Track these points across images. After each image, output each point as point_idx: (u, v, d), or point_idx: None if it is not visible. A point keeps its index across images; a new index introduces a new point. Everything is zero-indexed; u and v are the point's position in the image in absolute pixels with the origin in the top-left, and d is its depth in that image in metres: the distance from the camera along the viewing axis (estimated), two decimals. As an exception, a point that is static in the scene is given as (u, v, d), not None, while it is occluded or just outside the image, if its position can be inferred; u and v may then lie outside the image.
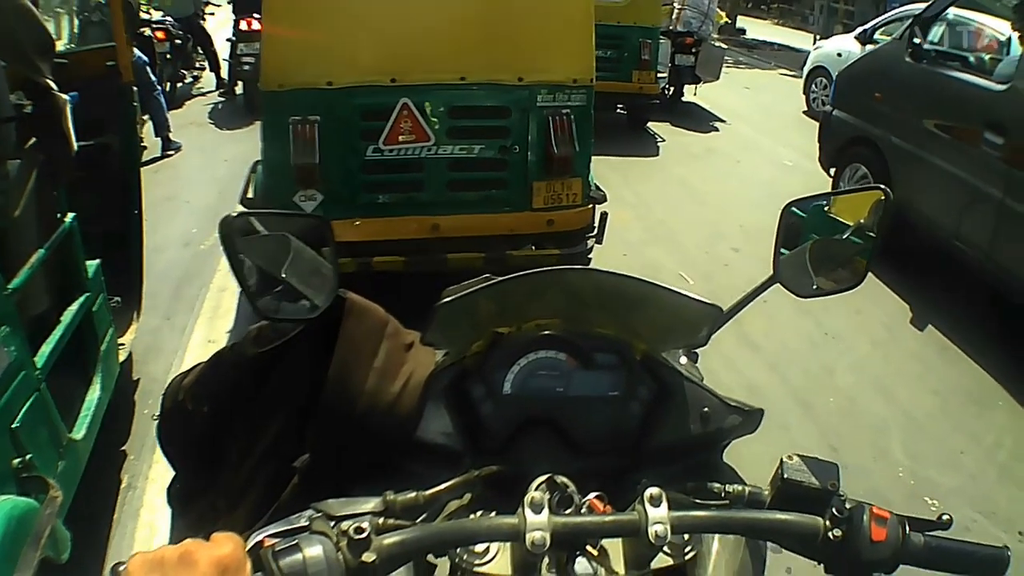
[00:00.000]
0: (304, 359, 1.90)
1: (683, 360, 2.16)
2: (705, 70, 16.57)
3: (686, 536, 1.58)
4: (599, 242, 6.80)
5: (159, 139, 12.88)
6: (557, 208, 6.55)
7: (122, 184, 5.98)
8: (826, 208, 2.41)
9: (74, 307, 4.60)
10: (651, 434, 1.84)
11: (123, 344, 5.57)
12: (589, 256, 6.79)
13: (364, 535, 1.29)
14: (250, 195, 6.66)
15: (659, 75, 14.98)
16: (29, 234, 4.40)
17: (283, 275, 1.85)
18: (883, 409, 6.30)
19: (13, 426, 3.29)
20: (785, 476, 1.52)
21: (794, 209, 2.33)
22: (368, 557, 1.27)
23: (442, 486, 1.64)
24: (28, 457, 3.28)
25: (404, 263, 6.34)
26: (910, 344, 7.48)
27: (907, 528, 1.43)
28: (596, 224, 6.78)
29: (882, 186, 2.28)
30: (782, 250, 2.29)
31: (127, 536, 4.63)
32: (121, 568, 1.10)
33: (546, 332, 1.85)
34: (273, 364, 1.93)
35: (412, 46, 6.19)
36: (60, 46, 5.57)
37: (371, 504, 1.47)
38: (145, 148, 12.57)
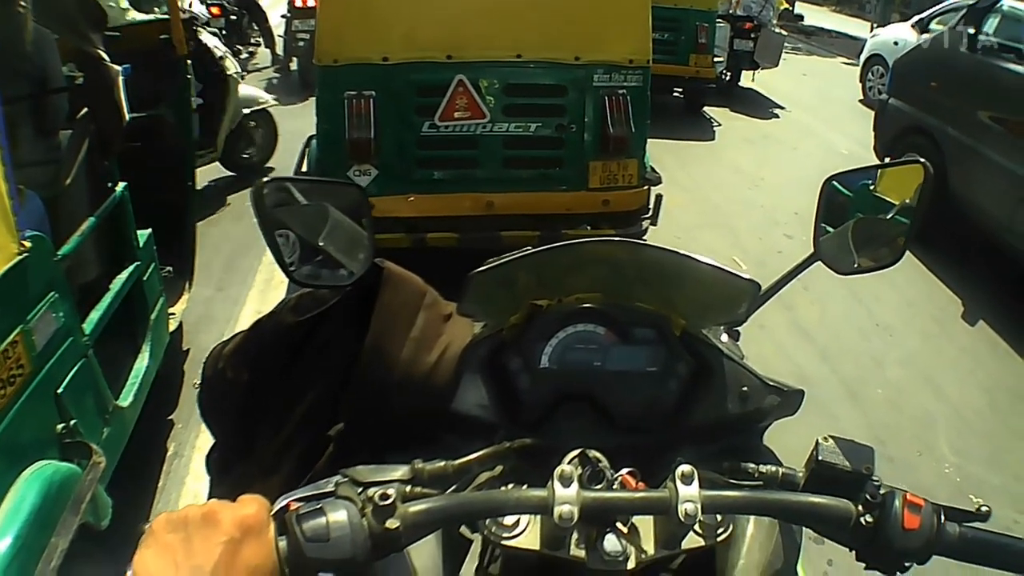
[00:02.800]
0: (341, 328, 1.90)
1: (724, 338, 2.14)
2: (764, 56, 16.40)
3: (719, 517, 1.55)
4: (654, 223, 6.79)
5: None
6: (613, 188, 6.54)
7: (176, 156, 6.04)
8: (871, 186, 2.36)
9: (124, 275, 4.63)
10: (689, 412, 1.82)
11: (173, 314, 5.62)
12: (644, 238, 6.70)
13: (389, 501, 1.27)
14: (304, 169, 6.74)
15: (716, 59, 14.96)
16: (80, 202, 4.45)
17: (321, 243, 1.86)
18: (931, 403, 6.24)
19: (58, 391, 3.30)
20: (820, 458, 1.46)
21: (836, 184, 2.30)
22: (392, 523, 1.26)
23: (472, 456, 1.63)
24: (72, 423, 3.29)
25: (458, 239, 6.36)
26: (961, 339, 7.39)
27: (942, 517, 1.37)
28: (651, 206, 6.77)
29: (922, 160, 2.23)
30: (824, 226, 2.26)
31: (171, 504, 4.65)
32: (146, 527, 1.12)
33: (585, 305, 1.82)
34: (311, 333, 1.93)
35: (468, 22, 6.21)
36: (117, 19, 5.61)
37: (400, 472, 1.46)
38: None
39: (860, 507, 1.37)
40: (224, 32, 16.08)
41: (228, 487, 2.01)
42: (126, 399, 4.25)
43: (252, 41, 17.60)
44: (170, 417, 5.36)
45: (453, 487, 1.59)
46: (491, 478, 1.66)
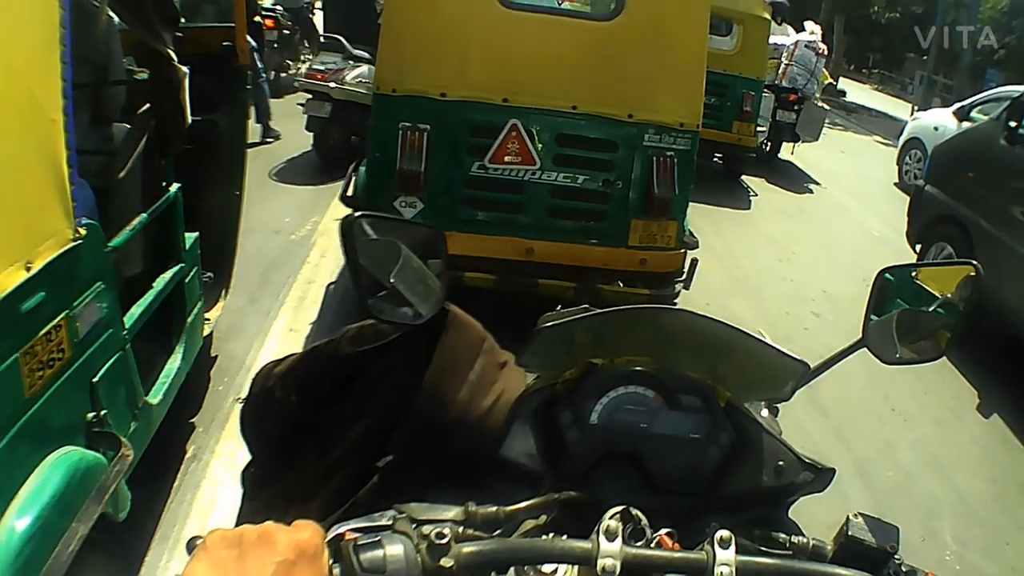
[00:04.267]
0: (399, 364, 1.94)
1: (764, 412, 2.20)
2: (806, 129, 16.48)
3: None
4: (687, 287, 6.81)
5: (259, 125, 13.04)
6: (651, 248, 6.58)
7: (227, 162, 6.10)
8: (914, 276, 2.45)
9: (168, 275, 4.69)
10: (726, 480, 1.87)
11: (208, 319, 5.68)
12: (675, 300, 6.80)
13: (445, 540, 1.32)
14: (350, 193, 6.81)
15: (759, 129, 15.04)
16: (133, 197, 4.51)
17: (392, 280, 1.87)
18: (938, 490, 6.26)
19: (94, 380, 3.34)
20: (849, 533, 1.55)
21: (887, 275, 2.38)
22: (447, 562, 1.30)
23: (522, 504, 1.66)
24: (103, 413, 3.33)
25: (496, 282, 6.38)
26: (973, 430, 7.43)
27: None
28: (686, 269, 6.79)
29: (974, 262, 2.30)
30: (872, 316, 2.33)
31: (184, 504, 4.71)
32: (199, 541, 1.15)
33: (637, 368, 1.87)
34: (368, 365, 1.98)
35: (527, 69, 6.28)
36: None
37: (453, 512, 1.51)
38: (248, 132, 12.75)
39: None
40: (276, 45, 16.24)
41: (261, 504, 2.06)
42: (156, 396, 4.30)
43: (302, 57, 17.76)
44: (192, 420, 5.41)
45: (500, 531, 1.62)
46: (536, 526, 1.70)
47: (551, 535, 1.66)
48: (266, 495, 2.08)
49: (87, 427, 3.28)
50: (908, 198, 10.64)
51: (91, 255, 3.29)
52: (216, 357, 6.16)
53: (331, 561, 1.23)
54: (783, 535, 1.73)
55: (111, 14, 4.48)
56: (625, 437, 1.85)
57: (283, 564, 1.11)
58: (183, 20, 6.52)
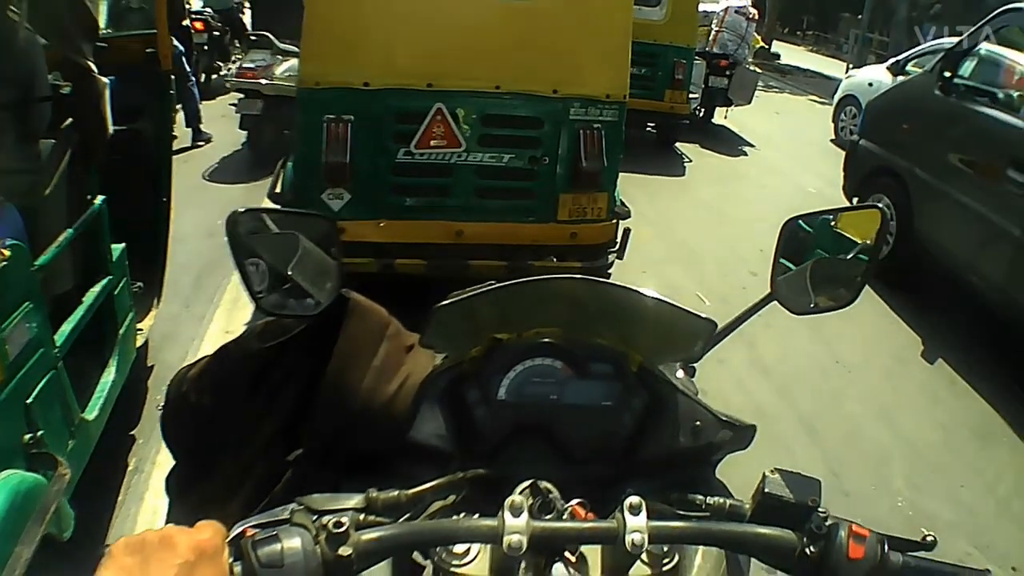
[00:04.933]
0: (306, 356, 1.94)
1: (680, 374, 2.17)
2: (738, 94, 16.60)
3: (666, 548, 1.60)
4: (620, 258, 6.83)
5: (189, 129, 12.97)
6: (582, 221, 6.58)
7: (153, 171, 6.01)
8: (832, 223, 2.44)
9: (97, 289, 4.63)
10: (641, 445, 1.87)
11: (141, 329, 5.60)
12: (609, 271, 6.79)
13: (343, 529, 1.32)
14: (278, 190, 6.73)
15: (691, 96, 15.08)
16: (59, 213, 4.45)
17: (290, 272, 1.90)
18: (888, 439, 6.31)
19: (28, 401, 3.31)
20: (766, 490, 1.51)
21: (800, 223, 2.36)
22: (345, 551, 1.30)
23: (426, 486, 1.66)
24: (40, 433, 3.30)
25: (426, 267, 6.38)
26: (919, 376, 7.49)
27: (886, 547, 1.42)
28: (619, 239, 6.80)
29: (880, 204, 2.30)
30: (783, 262, 2.30)
31: (130, 518, 4.66)
32: (106, 549, 1.14)
33: (544, 340, 1.87)
34: (276, 360, 1.98)
35: (449, 52, 6.24)
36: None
37: (354, 500, 1.49)
38: (176, 137, 12.61)
39: (805, 538, 1.42)
40: (206, 48, 16.11)
41: (187, 509, 2.05)
42: (92, 412, 4.25)
43: (233, 58, 17.62)
44: (132, 432, 5.35)
45: (407, 515, 1.62)
46: (444, 507, 1.70)
47: (462, 515, 1.67)
48: (191, 500, 2.07)
49: (25, 449, 3.25)
50: (844, 154, 10.76)
51: (16, 276, 3.27)
52: (153, 367, 6.08)
53: (231, 559, 1.23)
54: (700, 496, 1.71)
55: (29, 28, 4.43)
56: (534, 410, 1.85)
57: (184, 566, 1.13)
58: (108, 30, 6.46)
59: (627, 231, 6.82)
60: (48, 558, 3.09)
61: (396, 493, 1.59)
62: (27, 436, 3.26)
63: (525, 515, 1.36)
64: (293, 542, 1.29)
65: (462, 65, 6.27)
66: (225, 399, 2.03)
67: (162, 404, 2.21)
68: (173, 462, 2.20)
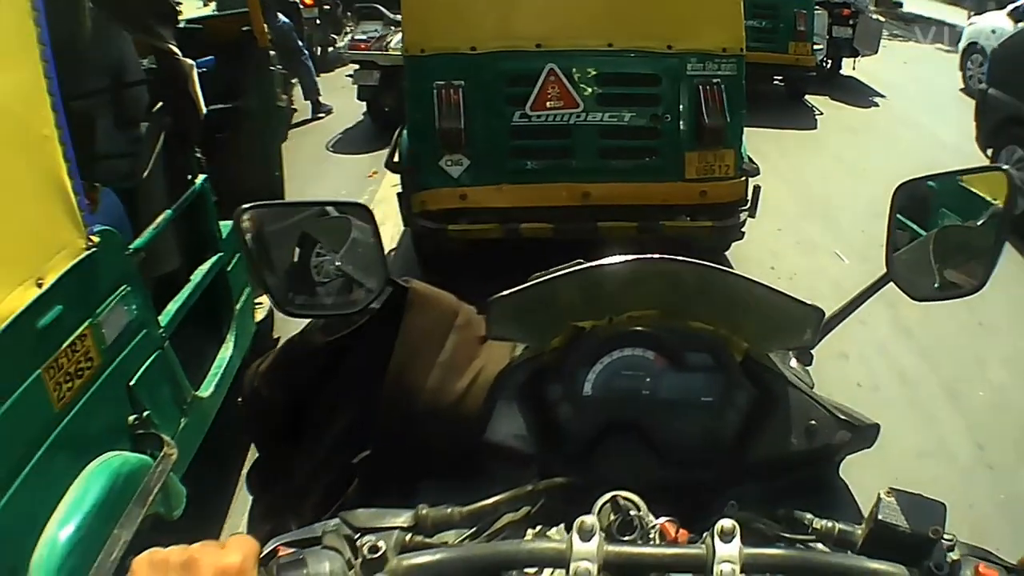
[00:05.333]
0: (370, 351, 1.79)
1: (793, 363, 2.00)
2: (864, 43, 16.11)
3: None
4: (752, 215, 6.68)
5: (309, 102, 13.20)
6: (710, 179, 6.42)
7: (262, 145, 6.09)
8: (961, 182, 2.08)
9: (205, 267, 4.67)
10: (748, 447, 1.67)
11: (260, 304, 5.62)
12: (743, 230, 6.70)
13: (379, 554, 1.18)
14: (396, 159, 6.72)
15: (816, 47, 14.73)
16: (158, 195, 4.50)
17: (337, 264, 1.78)
18: (1036, 408, 5.99)
19: (131, 384, 3.32)
20: (879, 517, 1.28)
21: (913, 188, 2.01)
22: None
23: (486, 502, 1.47)
24: (145, 414, 3.31)
25: (554, 230, 6.29)
26: (1071, 340, 7.11)
27: None
28: (749, 197, 6.64)
29: (1003, 166, 1.97)
30: (901, 228, 2.00)
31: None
32: (132, 561, 1.08)
33: (635, 328, 1.68)
34: (342, 354, 1.85)
35: (557, 11, 6.16)
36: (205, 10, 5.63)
37: (401, 518, 1.34)
38: (295, 111, 12.82)
39: None
40: (319, 21, 16.23)
41: (266, 507, 1.97)
42: (207, 389, 4.27)
43: (346, 30, 17.69)
44: (255, 407, 5.27)
45: (473, 530, 1.47)
46: (515, 521, 1.53)
47: (536, 529, 1.52)
48: (268, 498, 1.99)
49: (130, 430, 3.27)
50: (975, 104, 10.35)
51: (109, 261, 3.27)
52: (279, 339, 6.02)
53: None
54: (809, 516, 1.45)
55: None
56: (625, 407, 1.66)
57: None
58: (214, 11, 6.53)
59: (757, 188, 6.66)
60: (160, 538, 3.07)
61: (449, 510, 1.41)
62: (132, 417, 3.28)
63: (596, 538, 1.19)
64: (321, 567, 1.16)
65: (571, 24, 6.16)
66: (296, 394, 1.92)
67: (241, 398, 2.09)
68: (254, 459, 2.08)
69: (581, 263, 1.61)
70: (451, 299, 1.83)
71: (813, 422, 1.66)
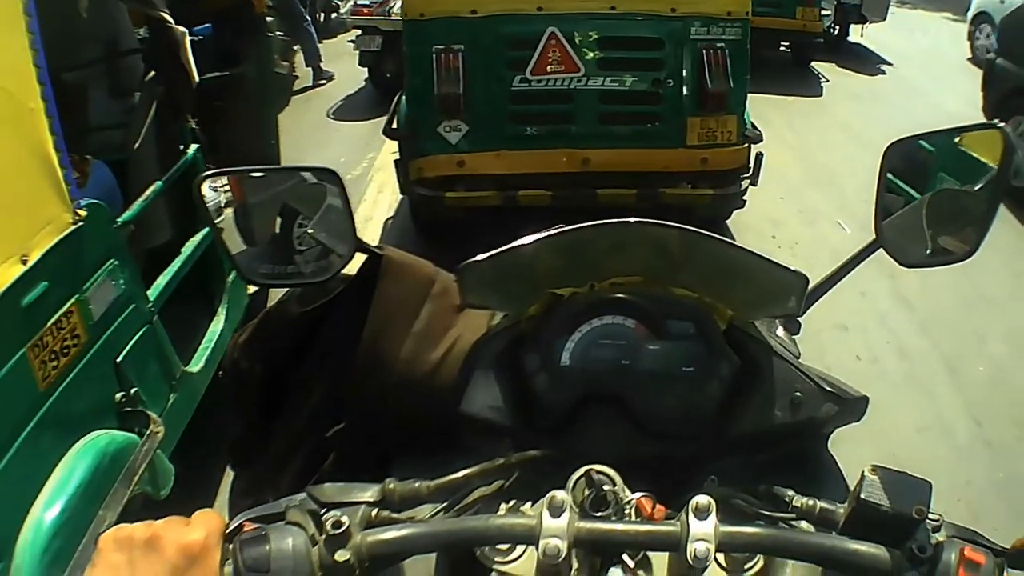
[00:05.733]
0: (345, 320, 1.77)
1: (780, 332, 1.96)
2: (872, 10, 16.04)
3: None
4: (754, 183, 6.65)
5: (310, 69, 13.23)
6: (712, 146, 6.36)
7: (258, 114, 6.06)
8: (958, 142, 2.05)
9: (196, 238, 4.61)
10: (731, 419, 1.61)
11: None
12: (744, 198, 6.67)
13: (342, 529, 1.15)
14: (395, 126, 6.67)
15: (823, 13, 14.76)
16: (149, 166, 4.47)
17: (311, 230, 1.75)
18: (1036, 384, 5.94)
19: (118, 360, 3.28)
20: (862, 496, 1.22)
21: (909, 146, 1.94)
22: (343, 556, 1.13)
23: (456, 475, 1.43)
24: (133, 391, 3.28)
25: (552, 197, 6.26)
26: (1071, 314, 7.05)
27: (1004, 571, 1.16)
28: (752, 164, 6.59)
29: (998, 123, 1.88)
30: (893, 192, 1.93)
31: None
32: (98, 536, 1.09)
33: (615, 295, 1.64)
34: (318, 324, 1.83)
35: None
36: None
37: (368, 492, 1.30)
38: (297, 77, 12.86)
39: (905, 559, 1.16)
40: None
41: (248, 481, 1.95)
42: (196, 364, 4.23)
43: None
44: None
45: (444, 505, 1.42)
46: (486, 496, 1.47)
47: (509, 504, 1.48)
48: (248, 473, 1.98)
49: (117, 408, 3.26)
50: (982, 73, 10.31)
51: (97, 235, 3.24)
52: (273, 310, 6.00)
53: (224, 560, 1.09)
54: (790, 493, 1.40)
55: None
56: (604, 377, 1.61)
57: (172, 571, 1.05)
58: None
59: (760, 155, 6.62)
60: (147, 516, 3.06)
61: (417, 484, 1.37)
62: (119, 395, 3.25)
63: (567, 515, 1.16)
64: (283, 543, 1.14)
65: None
66: (273, 366, 1.89)
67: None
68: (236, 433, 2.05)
69: (561, 227, 1.57)
70: (427, 267, 1.80)
71: (799, 394, 1.60)
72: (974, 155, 1.92)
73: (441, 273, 1.79)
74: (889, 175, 1.89)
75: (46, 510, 2.67)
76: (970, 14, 17.84)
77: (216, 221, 1.72)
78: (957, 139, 2.02)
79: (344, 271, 1.72)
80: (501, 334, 1.67)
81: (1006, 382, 5.83)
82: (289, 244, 1.79)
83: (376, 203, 8.41)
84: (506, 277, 1.67)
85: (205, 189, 1.72)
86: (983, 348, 6.28)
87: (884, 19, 16.48)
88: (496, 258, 1.54)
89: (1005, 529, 1.30)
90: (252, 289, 5.36)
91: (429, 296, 1.75)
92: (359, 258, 1.75)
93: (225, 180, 1.79)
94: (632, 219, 1.54)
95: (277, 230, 1.82)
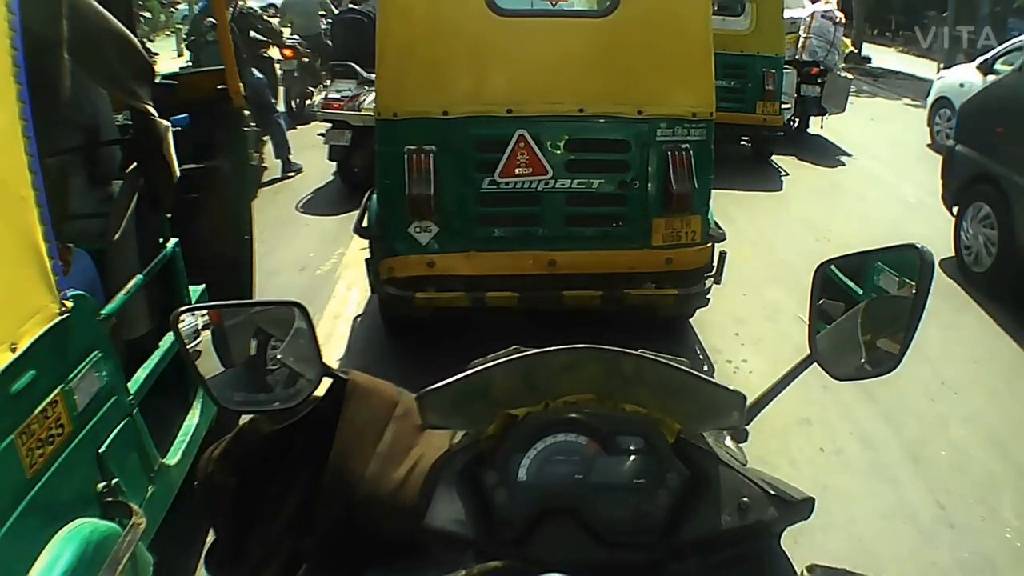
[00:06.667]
0: (316, 440, 1.85)
1: (728, 441, 2.03)
2: (831, 101, 16.26)
3: None
4: (717, 282, 6.70)
5: (279, 160, 13.24)
6: (676, 246, 6.42)
7: (232, 208, 6.03)
8: (878, 263, 2.07)
9: (173, 333, 4.58)
10: (681, 526, 1.69)
11: None
12: (708, 296, 6.71)
13: None
14: (364, 224, 6.70)
15: (784, 106, 14.86)
16: (130, 258, 4.48)
17: (279, 356, 1.84)
18: (996, 465, 6.02)
19: (100, 451, 3.30)
20: None
21: (833, 268, 2.09)
22: None
23: None
24: (115, 481, 3.29)
25: (519, 299, 6.28)
26: (1028, 398, 7.15)
27: None
28: (715, 263, 6.67)
29: (917, 244, 1.99)
30: (823, 306, 2.06)
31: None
32: None
33: (568, 415, 1.74)
34: (289, 441, 1.90)
35: (529, 77, 6.20)
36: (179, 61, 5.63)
37: None
38: (266, 168, 12.86)
39: None
40: (296, 74, 16.41)
41: None
42: (173, 457, 4.24)
43: (325, 83, 17.85)
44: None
45: None
46: None
47: None
48: None
49: (99, 498, 3.25)
50: (941, 160, 10.41)
51: (82, 326, 3.25)
52: (243, 409, 6.02)
53: None
54: None
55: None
56: (559, 491, 1.70)
57: None
58: (188, 62, 6.52)
59: (723, 254, 6.70)
60: None
61: None
62: (101, 485, 3.26)
63: None
64: None
65: (543, 90, 6.20)
66: (247, 481, 1.96)
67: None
68: (211, 541, 2.13)
69: (518, 350, 1.70)
70: (390, 389, 1.90)
71: (745, 499, 1.70)
72: (895, 273, 2.03)
73: (404, 394, 1.89)
74: (824, 287, 2.06)
75: (33, 597, 2.67)
76: (929, 100, 18.10)
77: (190, 346, 1.79)
78: (879, 260, 2.07)
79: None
80: (461, 452, 1.76)
81: (967, 465, 5.97)
82: (263, 366, 1.87)
83: (345, 301, 8.44)
84: (464, 400, 1.76)
85: (184, 319, 1.80)
86: (944, 433, 6.40)
87: (844, 110, 16.70)
88: (454, 384, 1.66)
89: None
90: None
91: (392, 418, 1.85)
92: (327, 380, 1.85)
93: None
94: (582, 345, 1.67)
95: (252, 352, 1.89)
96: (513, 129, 6.10)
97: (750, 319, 8.16)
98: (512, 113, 6.12)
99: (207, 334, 1.79)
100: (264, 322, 1.91)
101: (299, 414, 1.87)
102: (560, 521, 1.67)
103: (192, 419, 4.69)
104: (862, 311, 2.01)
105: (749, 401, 1.78)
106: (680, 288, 6.49)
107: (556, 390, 1.77)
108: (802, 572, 1.34)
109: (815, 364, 1.97)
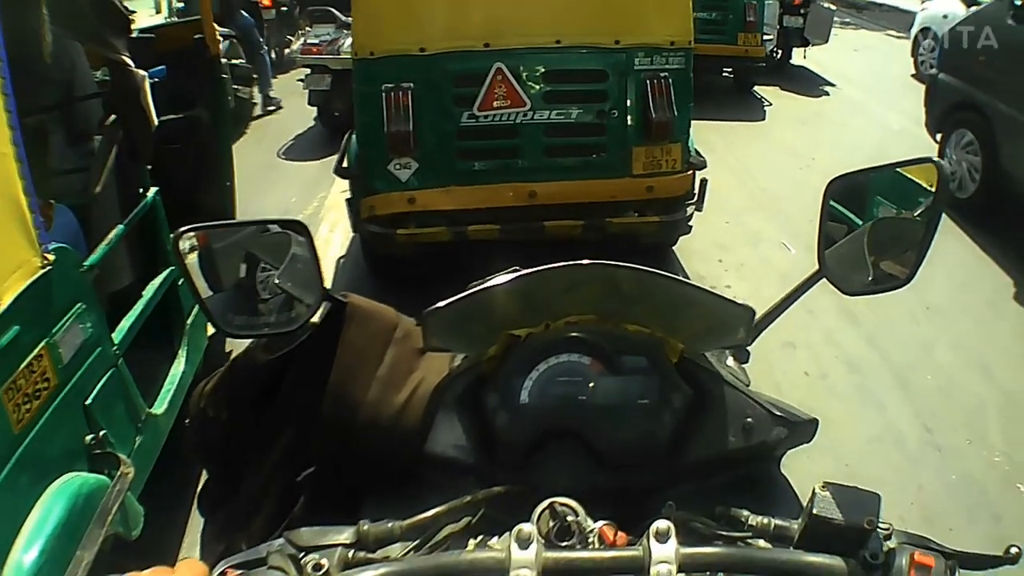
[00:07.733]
0: (312, 367, 1.81)
1: (730, 361, 2.02)
2: (814, 32, 16.14)
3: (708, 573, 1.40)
4: (699, 209, 6.73)
5: (260, 96, 13.48)
6: (657, 174, 6.42)
7: (214, 156, 6.05)
8: (895, 173, 2.05)
9: (157, 282, 4.63)
10: (686, 447, 1.69)
11: None
12: (690, 224, 6.73)
13: (321, 572, 1.22)
14: (345, 164, 6.73)
15: (766, 37, 14.78)
16: (110, 210, 4.48)
17: (277, 281, 1.79)
18: (982, 389, 6.02)
19: (87, 403, 3.30)
20: (814, 511, 1.28)
21: (847, 182, 2.02)
22: None
23: (426, 514, 1.49)
24: (102, 433, 3.29)
25: (500, 231, 6.29)
26: (1014, 321, 7.13)
27: (956, 573, 1.23)
28: (697, 191, 6.68)
29: (934, 158, 1.97)
30: (832, 224, 2.00)
31: (204, 513, 4.59)
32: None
33: (570, 334, 1.73)
34: (284, 371, 1.86)
35: (505, 10, 6.17)
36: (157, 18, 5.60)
37: (343, 535, 1.35)
38: (256, 104, 12.87)
39: (860, 567, 1.23)
40: (275, 23, 16.32)
41: (218, 528, 1.97)
42: (160, 406, 4.24)
43: (299, 33, 17.75)
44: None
45: (416, 543, 1.48)
46: (455, 532, 1.54)
47: (478, 539, 1.51)
48: (219, 518, 1.99)
49: (87, 450, 3.25)
50: (924, 89, 10.46)
51: (65, 279, 3.26)
52: (231, 353, 6.00)
53: None
54: (745, 513, 1.49)
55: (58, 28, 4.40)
56: (561, 413, 1.69)
57: None
58: (167, 18, 6.50)
59: (704, 181, 6.71)
60: (119, 557, 3.12)
61: (390, 525, 1.43)
62: (88, 437, 3.25)
63: (535, 546, 1.21)
64: None
65: (519, 22, 6.17)
66: (240, 413, 1.93)
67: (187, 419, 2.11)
68: (205, 480, 2.10)
69: (517, 270, 1.67)
70: (390, 312, 1.86)
71: (749, 420, 1.69)
72: (914, 180, 1.99)
73: (403, 318, 1.85)
74: (833, 204, 1.99)
75: (25, 552, 2.69)
76: (913, 30, 17.96)
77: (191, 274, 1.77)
78: (898, 170, 2.05)
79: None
80: (462, 375, 1.74)
81: (953, 389, 6.00)
82: (254, 291, 1.82)
83: (328, 242, 8.41)
84: (466, 321, 1.74)
85: (182, 243, 1.76)
86: (930, 358, 6.42)
87: (827, 41, 16.59)
88: (456, 304, 1.63)
89: (960, 529, 1.39)
90: (211, 331, 5.36)
91: (392, 341, 1.81)
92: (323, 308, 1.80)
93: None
94: (585, 261, 1.62)
95: (242, 276, 1.85)
96: (490, 63, 6.09)
97: (732, 246, 8.16)
98: (489, 47, 6.10)
99: (193, 258, 1.74)
100: (255, 246, 1.86)
101: (297, 340, 1.83)
102: (563, 444, 1.67)
103: (178, 368, 4.70)
104: (868, 230, 1.99)
105: (756, 316, 1.76)
106: (662, 216, 6.50)
107: (558, 310, 1.76)
108: (814, 489, 1.31)
109: (824, 280, 1.94)
